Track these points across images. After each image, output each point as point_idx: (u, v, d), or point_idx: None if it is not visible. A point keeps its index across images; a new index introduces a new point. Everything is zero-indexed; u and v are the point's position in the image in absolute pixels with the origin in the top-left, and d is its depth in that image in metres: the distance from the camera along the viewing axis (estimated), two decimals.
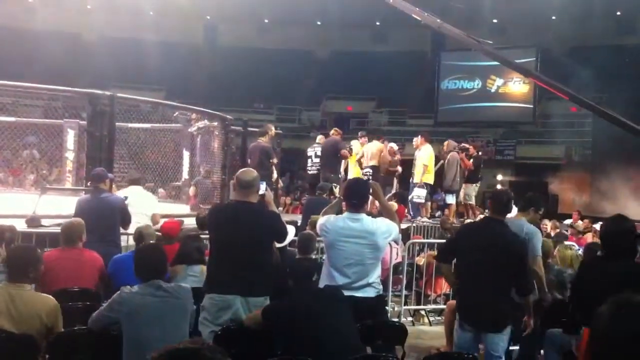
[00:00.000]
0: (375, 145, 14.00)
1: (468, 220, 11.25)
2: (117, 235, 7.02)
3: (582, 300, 4.61)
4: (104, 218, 6.83)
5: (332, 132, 13.36)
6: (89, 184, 7.28)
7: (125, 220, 7.06)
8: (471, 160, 14.05)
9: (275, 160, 11.78)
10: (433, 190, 14.57)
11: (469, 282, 5.09)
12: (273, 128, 12.61)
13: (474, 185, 14.27)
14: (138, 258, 4.38)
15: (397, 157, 14.34)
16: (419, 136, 13.74)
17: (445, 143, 14.23)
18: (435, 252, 8.93)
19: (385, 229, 4.99)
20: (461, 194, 14.01)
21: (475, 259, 4.98)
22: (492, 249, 4.93)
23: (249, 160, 11.73)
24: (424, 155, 13.11)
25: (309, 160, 13.34)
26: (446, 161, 13.81)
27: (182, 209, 11.72)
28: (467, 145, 14.97)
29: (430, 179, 13.17)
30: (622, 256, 4.55)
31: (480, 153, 14.97)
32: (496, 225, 5.13)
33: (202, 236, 6.69)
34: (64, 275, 5.43)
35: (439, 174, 13.90)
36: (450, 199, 13.85)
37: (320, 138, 13.72)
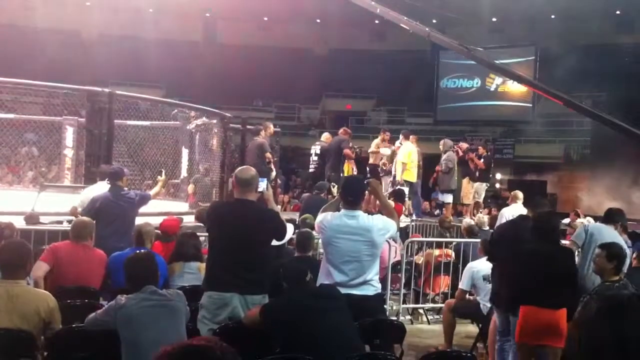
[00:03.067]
0: (373, 143, 14.14)
1: (466, 219, 11.25)
2: None
3: (515, 279, 5.55)
4: (124, 215, 6.96)
5: (340, 131, 13.33)
6: (107, 181, 7.36)
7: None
8: (482, 159, 14.11)
9: (269, 156, 11.72)
10: (428, 188, 14.61)
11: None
12: (271, 125, 12.58)
13: (485, 184, 14.33)
14: (127, 269, 4.37)
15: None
16: (401, 134, 13.69)
17: (442, 142, 14.15)
18: (433, 251, 8.95)
19: (382, 225, 4.99)
20: (472, 192, 14.04)
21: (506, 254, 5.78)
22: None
23: (247, 159, 11.72)
24: (402, 153, 13.05)
25: (310, 159, 13.35)
26: (442, 160, 13.78)
27: (181, 206, 11.72)
28: (465, 145, 14.98)
29: (410, 176, 13.01)
30: (547, 240, 5.52)
31: (489, 153, 14.99)
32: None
33: (200, 234, 6.72)
34: (75, 271, 5.51)
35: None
36: (447, 198, 13.85)
37: (325, 136, 13.69)
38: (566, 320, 5.26)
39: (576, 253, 6.44)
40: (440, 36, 12.62)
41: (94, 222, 6.20)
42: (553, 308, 5.26)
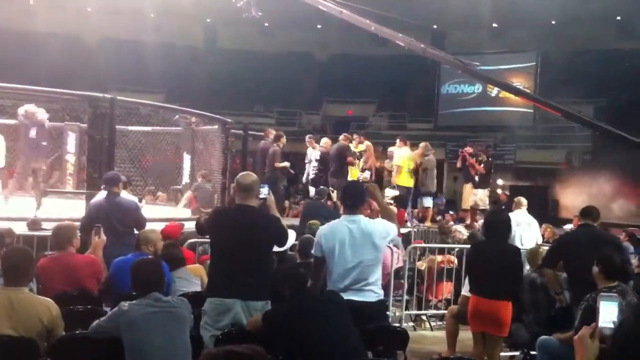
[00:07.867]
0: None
1: (459, 227, 11.19)
2: (134, 237, 6.97)
3: (472, 272, 6.21)
4: (120, 221, 6.88)
5: (340, 137, 13.28)
6: (102, 187, 7.31)
7: (139, 222, 7.02)
8: (482, 165, 13.98)
9: (278, 164, 11.76)
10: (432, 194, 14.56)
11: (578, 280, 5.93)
12: (284, 137, 12.68)
13: (485, 190, 14.18)
14: (135, 273, 4.36)
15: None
16: (397, 139, 13.64)
17: (422, 145, 13.78)
18: (436, 257, 8.92)
19: (383, 229, 4.99)
20: (474, 198, 13.92)
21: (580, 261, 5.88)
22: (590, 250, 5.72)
23: (250, 160, 11.73)
24: (396, 158, 13.03)
25: (306, 165, 13.35)
26: (422, 164, 13.58)
27: (183, 212, 11.72)
28: (471, 149, 14.88)
29: (403, 181, 12.90)
30: (498, 239, 6.01)
31: (490, 158, 14.85)
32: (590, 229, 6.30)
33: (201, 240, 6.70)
34: (57, 282, 5.38)
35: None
36: (427, 202, 13.74)
37: (324, 141, 13.66)
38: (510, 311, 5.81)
39: None
40: (436, 52, 12.71)
41: (75, 227, 6.04)
42: (496, 299, 5.77)
